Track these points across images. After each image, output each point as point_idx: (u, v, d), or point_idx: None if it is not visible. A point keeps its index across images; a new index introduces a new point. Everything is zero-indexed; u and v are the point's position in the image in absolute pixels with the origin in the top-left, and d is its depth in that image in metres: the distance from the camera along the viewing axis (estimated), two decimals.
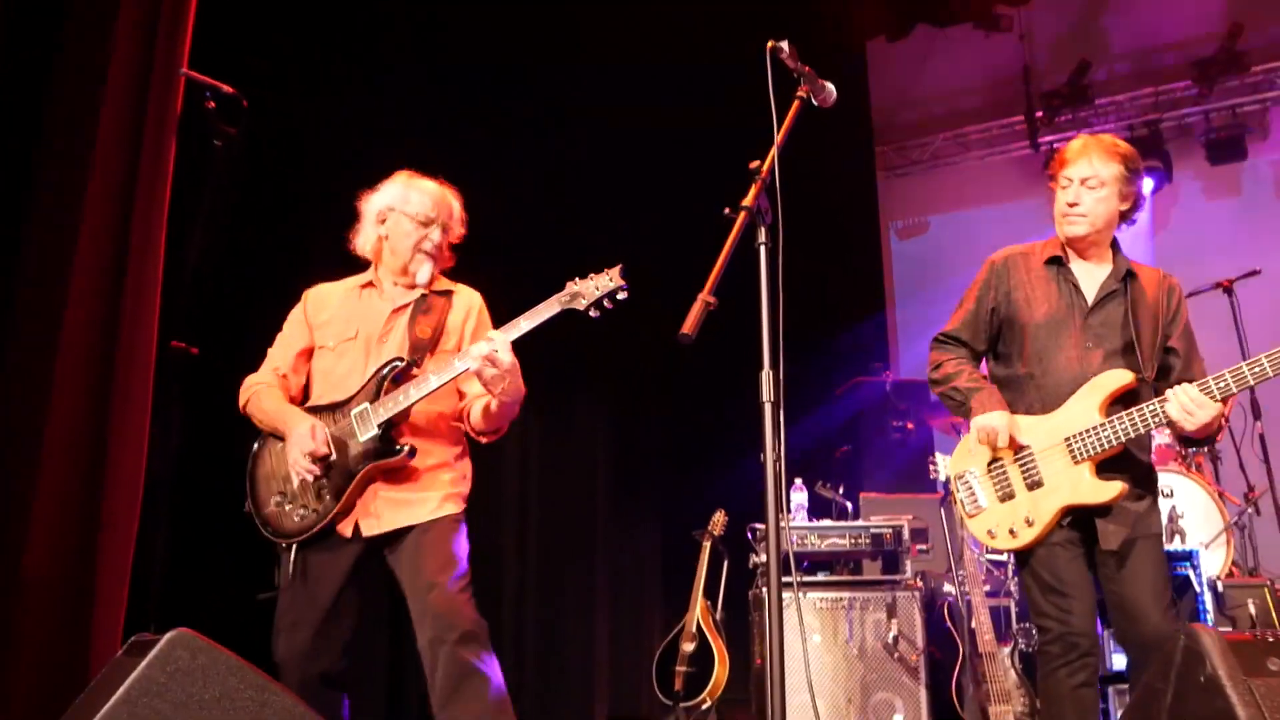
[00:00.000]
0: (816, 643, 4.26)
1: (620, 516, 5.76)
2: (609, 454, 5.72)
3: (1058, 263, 3.17)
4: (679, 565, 5.05)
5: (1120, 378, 3.00)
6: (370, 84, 5.04)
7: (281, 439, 3.08)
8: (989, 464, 3.14)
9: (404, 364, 3.05)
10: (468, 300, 3.30)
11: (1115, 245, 3.20)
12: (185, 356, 3.50)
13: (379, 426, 2.97)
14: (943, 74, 8.85)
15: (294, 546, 2.98)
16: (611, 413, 5.83)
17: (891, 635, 4.19)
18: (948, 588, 4.87)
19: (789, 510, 4.59)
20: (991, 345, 3.29)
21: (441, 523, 3.01)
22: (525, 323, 2.94)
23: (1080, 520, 3.01)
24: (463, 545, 3.02)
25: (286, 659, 2.93)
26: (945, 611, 4.39)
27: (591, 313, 2.93)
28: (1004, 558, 4.81)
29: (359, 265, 4.69)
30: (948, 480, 4.67)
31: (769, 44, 2.30)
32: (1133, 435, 2.93)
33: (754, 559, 4.57)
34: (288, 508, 3.03)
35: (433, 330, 3.16)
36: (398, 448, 2.99)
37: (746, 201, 2.02)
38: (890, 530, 4.43)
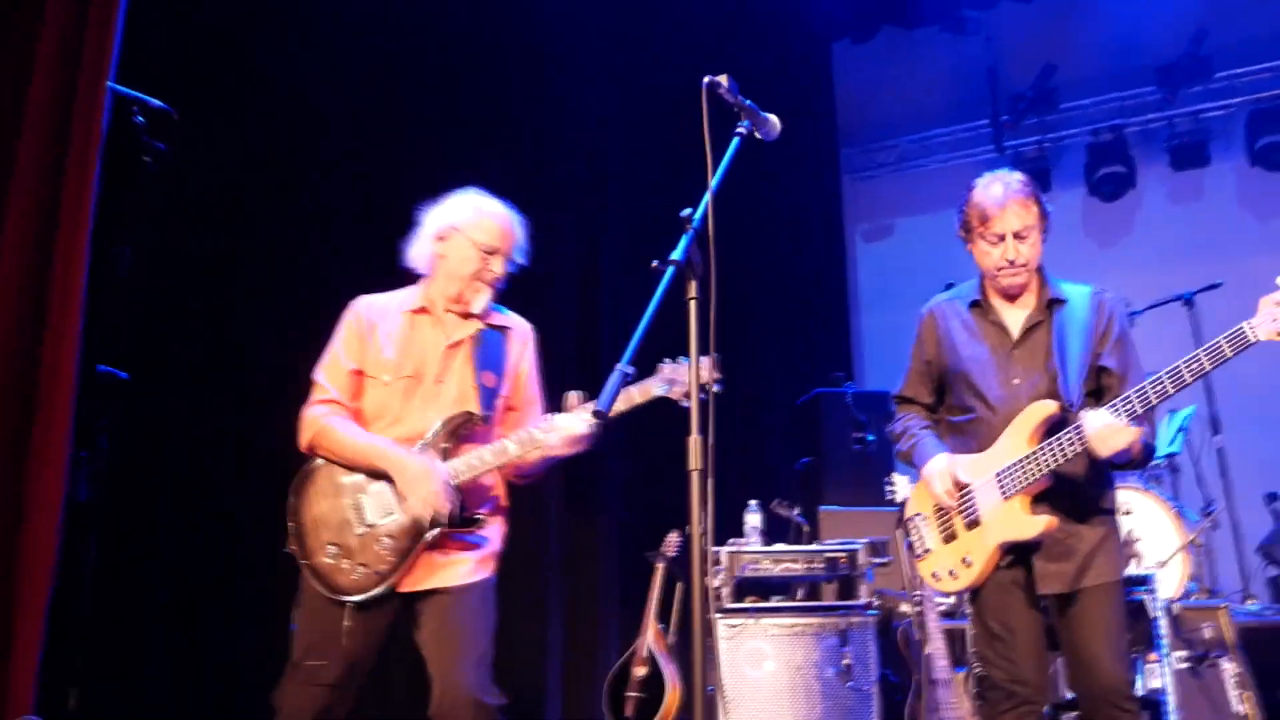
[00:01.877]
0: (769, 670, 4.19)
1: (576, 534, 5.66)
2: (563, 470, 5.62)
3: (980, 305, 3.17)
4: (636, 585, 4.96)
5: (1043, 409, 2.94)
6: (309, 92, 4.89)
7: (370, 475, 2.84)
8: (934, 506, 3.11)
9: (476, 420, 2.90)
10: (522, 337, 3.15)
11: (1039, 271, 3.15)
12: (113, 381, 3.39)
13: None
14: (908, 77, 8.76)
15: (349, 605, 2.77)
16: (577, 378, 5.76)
17: (845, 663, 4.12)
18: (904, 608, 4.80)
19: (743, 534, 4.51)
20: (940, 397, 3.27)
21: (474, 591, 2.86)
22: (618, 405, 2.74)
23: (1024, 560, 2.95)
24: (491, 617, 2.88)
25: (296, 709, 2.76)
26: (901, 637, 4.31)
27: (683, 403, 2.67)
28: None
29: (310, 286, 4.61)
30: (904, 503, 4.63)
31: (705, 80, 2.18)
32: (1054, 465, 2.87)
33: (708, 581, 4.47)
34: (344, 564, 2.79)
35: (497, 378, 3.00)
36: (475, 516, 2.84)
37: (675, 254, 1.91)
38: (845, 554, 4.35)
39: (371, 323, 3.01)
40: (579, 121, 6.45)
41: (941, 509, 3.08)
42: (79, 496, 3.45)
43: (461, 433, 2.90)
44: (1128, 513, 5.05)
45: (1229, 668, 4.27)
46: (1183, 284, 7.65)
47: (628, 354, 1.86)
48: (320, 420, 2.91)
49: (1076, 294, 3.12)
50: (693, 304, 1.94)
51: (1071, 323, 3.04)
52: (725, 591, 4.21)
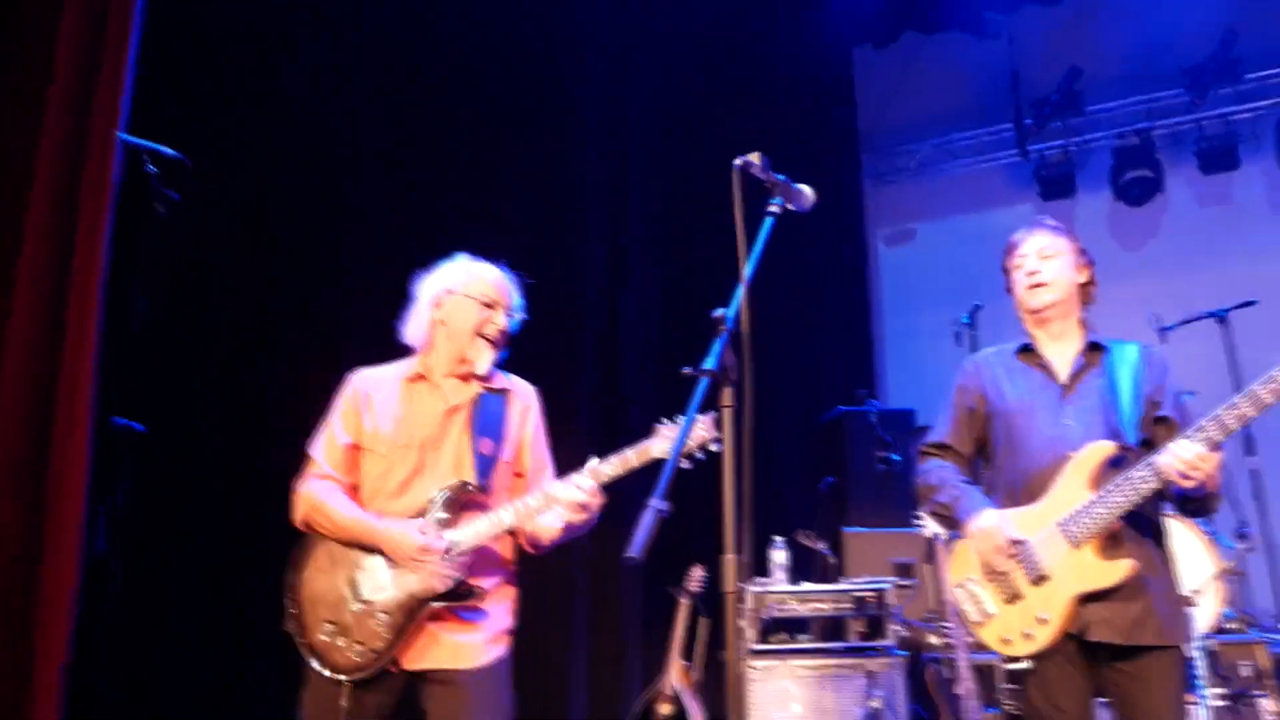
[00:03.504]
0: (796, 713, 4.12)
1: (599, 565, 5.60)
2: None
3: (1027, 349, 3.11)
4: (659, 618, 4.89)
5: (1101, 449, 2.84)
6: (329, 136, 4.82)
7: (362, 549, 2.77)
8: (985, 567, 2.94)
9: (471, 489, 2.83)
10: (524, 400, 3.07)
11: (1085, 325, 3.11)
12: (129, 434, 3.34)
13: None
14: (930, 81, 8.63)
15: (348, 685, 2.67)
16: (597, 418, 5.69)
17: (874, 706, 4.05)
18: (932, 639, 4.73)
19: (768, 573, 4.44)
20: (979, 449, 3.15)
21: (486, 676, 2.76)
22: (608, 468, 2.75)
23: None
24: (506, 701, 2.80)
25: None
26: (930, 677, 4.23)
27: (683, 464, 2.58)
28: None
29: (321, 332, 4.56)
30: (934, 535, 4.54)
31: (736, 162, 2.09)
32: (1128, 505, 2.74)
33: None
34: (340, 642, 2.71)
35: (495, 444, 2.92)
36: (470, 590, 2.75)
37: (708, 362, 1.83)
38: (873, 593, 4.27)
39: (367, 395, 2.97)
40: (597, 132, 6.37)
41: (993, 569, 2.92)
42: (97, 549, 3.41)
43: (459, 503, 2.82)
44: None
45: (1267, 705, 4.18)
46: (1212, 290, 7.52)
47: (660, 487, 1.76)
48: (313, 496, 2.86)
49: (1123, 346, 3.06)
50: (727, 412, 1.85)
51: (1123, 367, 2.98)
52: (751, 633, 4.14)
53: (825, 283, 8.07)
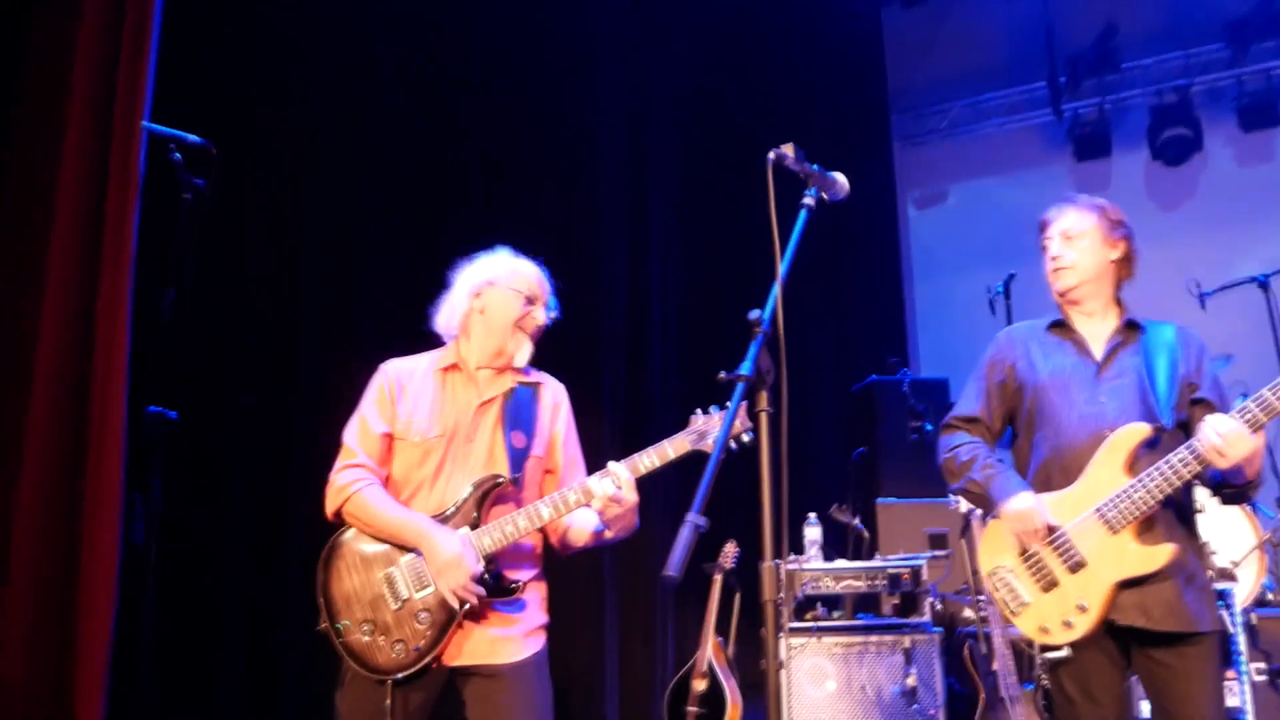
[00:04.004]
0: (831, 690, 4.11)
1: (630, 540, 5.60)
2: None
3: (1061, 325, 3.05)
4: (693, 594, 4.89)
5: (1138, 431, 2.76)
6: (352, 124, 4.77)
7: (398, 548, 2.73)
8: (1022, 553, 2.88)
9: (503, 482, 2.79)
10: (554, 395, 3.03)
11: (1123, 304, 3.04)
12: (163, 422, 3.35)
13: (485, 559, 2.71)
14: (961, 39, 8.45)
15: (390, 684, 2.64)
16: (622, 435, 5.64)
17: (910, 684, 4.03)
18: (967, 613, 4.70)
19: (803, 551, 4.42)
20: (1007, 423, 3.09)
21: (527, 671, 2.75)
22: (648, 460, 2.73)
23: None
24: (547, 696, 2.78)
25: None
26: (966, 653, 4.21)
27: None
28: None
29: (348, 317, 4.55)
30: (969, 510, 4.50)
31: (770, 155, 2.04)
32: (1168, 489, 2.68)
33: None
34: (380, 640, 2.66)
35: (527, 438, 2.89)
36: (510, 585, 2.73)
37: (744, 367, 1.79)
38: (908, 569, 4.24)
39: (401, 385, 2.93)
40: (616, 108, 6.28)
41: (1030, 556, 2.86)
42: (135, 539, 3.43)
43: (492, 497, 2.79)
44: (1200, 510, 4.88)
45: None
46: (1252, 252, 7.38)
47: (697, 502, 1.73)
48: (350, 488, 2.79)
49: (1159, 326, 2.99)
50: (763, 416, 1.81)
51: (1159, 347, 2.91)
52: (786, 610, 4.13)
53: (855, 247, 7.97)
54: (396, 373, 2.97)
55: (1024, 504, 2.84)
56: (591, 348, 5.71)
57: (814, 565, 4.31)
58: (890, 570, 4.23)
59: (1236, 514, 4.95)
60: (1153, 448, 2.75)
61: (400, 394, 2.91)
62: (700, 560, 4.81)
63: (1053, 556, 2.82)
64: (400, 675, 2.64)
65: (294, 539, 4.27)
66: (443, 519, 2.76)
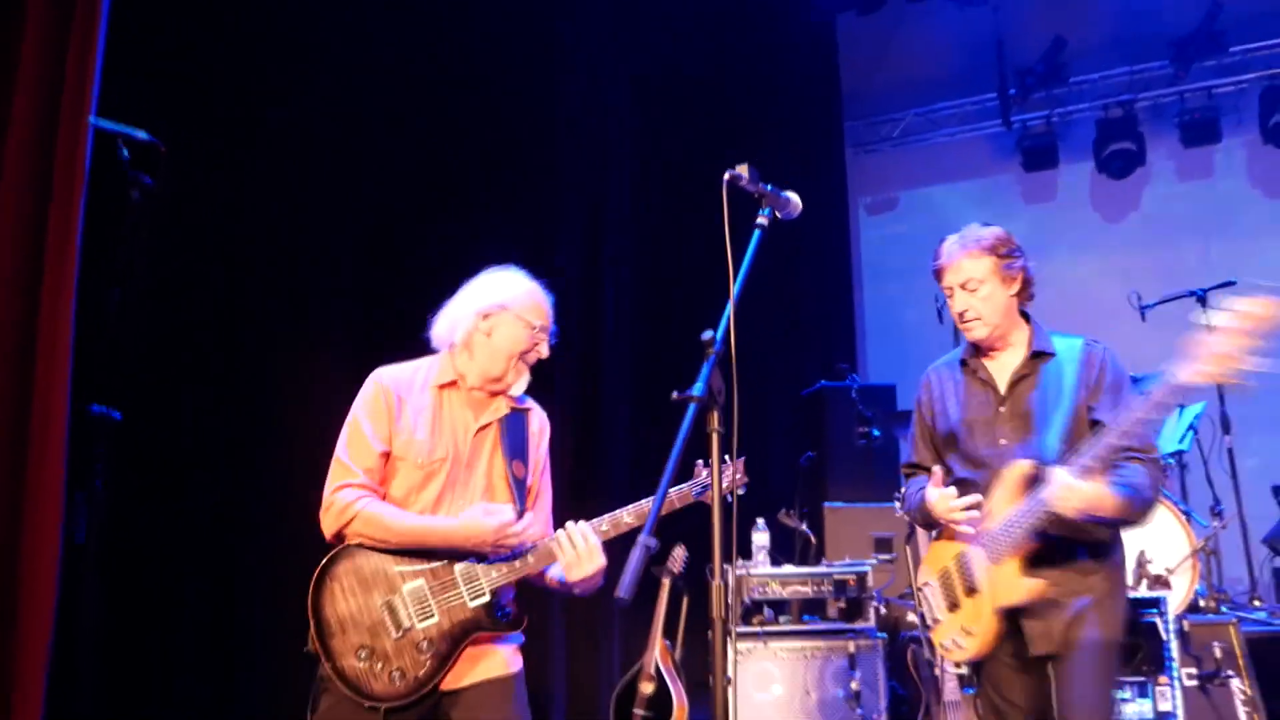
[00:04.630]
0: (777, 694, 4.16)
1: None
2: (566, 479, 5.56)
3: (966, 364, 3.07)
4: (640, 596, 4.91)
5: (1019, 469, 2.81)
6: (301, 118, 4.71)
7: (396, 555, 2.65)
8: (940, 573, 3.01)
9: (517, 515, 2.71)
10: (540, 422, 2.95)
11: (1031, 322, 3.05)
12: (107, 421, 3.30)
13: (490, 593, 2.66)
14: (914, 49, 8.57)
15: (382, 711, 2.56)
16: (571, 436, 5.64)
17: (854, 688, 4.09)
18: (911, 617, 4.78)
19: (751, 556, 4.46)
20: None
21: (517, 680, 2.73)
22: (631, 518, 2.71)
23: (1019, 628, 2.84)
24: (528, 713, 2.75)
25: None
26: (910, 658, 4.28)
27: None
28: None
29: (298, 317, 4.49)
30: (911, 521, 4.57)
31: (726, 176, 2.06)
32: (1030, 526, 2.73)
33: (714, 583, 4.45)
34: (378, 667, 2.58)
35: (525, 467, 2.83)
36: (519, 618, 2.70)
37: (695, 388, 1.80)
38: (854, 575, 4.30)
39: (400, 398, 2.78)
40: (575, 118, 6.27)
41: (945, 575, 2.98)
42: (77, 538, 3.38)
43: None
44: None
45: (1238, 687, 4.25)
46: (1191, 264, 7.58)
47: (648, 526, 1.75)
48: (353, 507, 2.65)
49: (1066, 347, 2.99)
50: (715, 437, 1.84)
51: (1058, 376, 2.92)
52: (733, 615, 4.16)
53: (807, 252, 8.04)
54: (395, 384, 2.80)
55: (942, 491, 2.92)
56: (543, 365, 5.71)
57: (761, 571, 4.36)
58: (836, 576, 4.29)
59: (1172, 522, 5.09)
60: (1037, 484, 2.76)
61: (399, 409, 2.76)
62: (649, 564, 4.83)
63: (958, 578, 2.94)
64: (397, 705, 2.57)
65: (245, 538, 4.23)
66: None
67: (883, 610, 4.66)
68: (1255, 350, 2.33)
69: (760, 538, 4.49)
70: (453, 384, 2.84)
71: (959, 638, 2.90)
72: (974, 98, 8.64)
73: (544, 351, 2.86)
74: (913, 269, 8.63)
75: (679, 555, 4.64)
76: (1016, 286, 2.97)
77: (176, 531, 3.96)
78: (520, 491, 2.77)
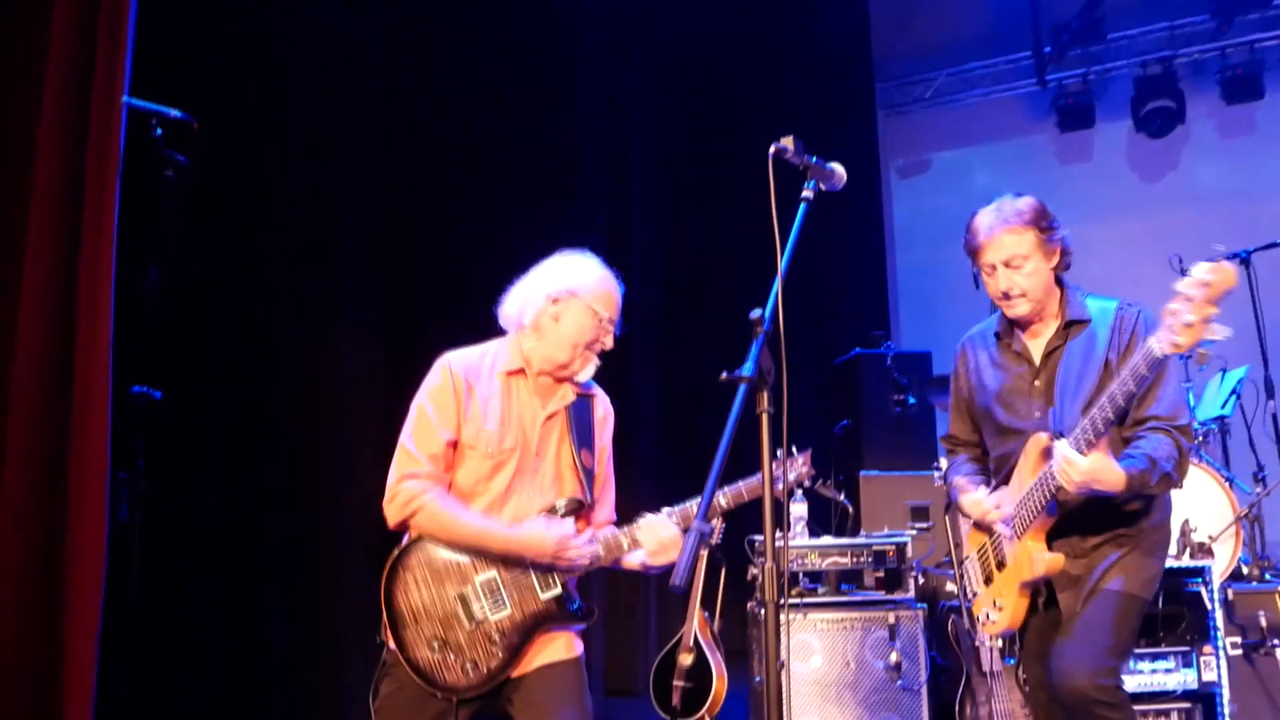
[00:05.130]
0: (816, 665, 4.16)
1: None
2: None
3: (1007, 330, 3.01)
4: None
5: (1038, 443, 2.78)
6: (339, 98, 4.68)
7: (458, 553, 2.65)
8: (979, 547, 3.05)
9: (580, 506, 2.73)
10: (604, 408, 2.92)
11: (1064, 288, 2.96)
12: (148, 402, 3.31)
13: (562, 585, 2.66)
14: (947, 7, 8.41)
15: (455, 701, 2.58)
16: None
17: (894, 660, 4.08)
18: (950, 586, 4.75)
19: (788, 528, 4.44)
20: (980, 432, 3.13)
21: (573, 666, 2.71)
22: (722, 501, 2.75)
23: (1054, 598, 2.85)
24: (588, 697, 2.73)
25: None
26: (950, 628, 4.26)
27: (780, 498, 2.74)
28: None
29: (331, 295, 4.49)
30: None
31: (771, 149, 2.01)
32: (1045, 500, 2.70)
33: (751, 570, 4.45)
34: (451, 658, 2.59)
35: (593, 456, 2.81)
36: (587, 611, 2.71)
37: (745, 369, 1.77)
38: (893, 546, 4.28)
39: (469, 385, 2.73)
40: (596, 81, 6.20)
41: (982, 550, 3.01)
42: (120, 516, 3.41)
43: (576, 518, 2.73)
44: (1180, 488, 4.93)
45: None
46: (1232, 225, 7.42)
47: (702, 508, 1.73)
48: (417, 499, 2.63)
49: (1100, 310, 2.90)
50: (765, 417, 1.81)
51: (1090, 343, 2.85)
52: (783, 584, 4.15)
53: (838, 216, 7.93)
54: (464, 369, 2.76)
55: (973, 496, 2.98)
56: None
57: (800, 542, 4.34)
58: (876, 547, 4.26)
59: (1215, 489, 5.02)
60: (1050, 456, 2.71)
61: (469, 396, 2.72)
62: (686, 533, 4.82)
63: (992, 553, 2.96)
64: (469, 695, 2.60)
65: (272, 518, 4.26)
66: None
67: (921, 580, 4.64)
68: (1214, 317, 2.32)
69: (798, 509, 4.47)
70: (520, 371, 2.80)
71: (991, 611, 2.93)
72: (1008, 56, 8.48)
73: (608, 343, 2.80)
74: (946, 233, 8.46)
75: (716, 526, 4.62)
76: (1056, 259, 2.88)
77: (203, 511, 3.99)
78: (589, 480, 2.75)
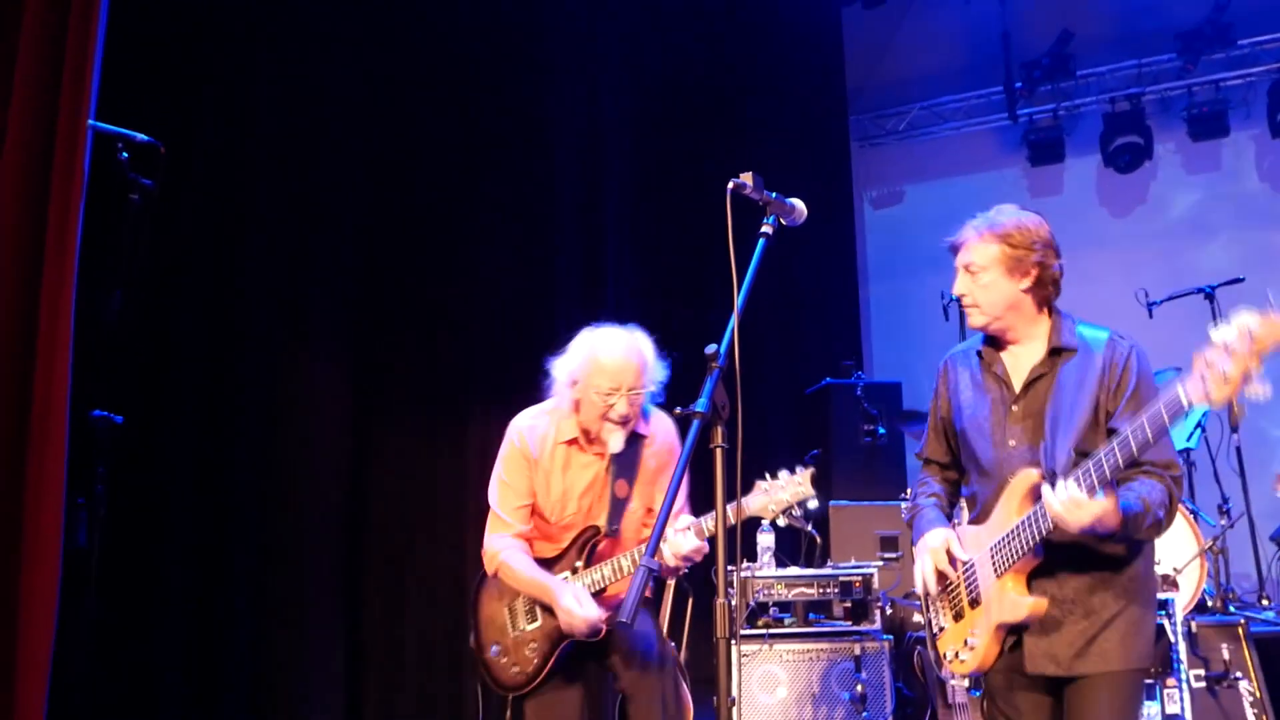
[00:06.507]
0: (782, 696, 4.14)
1: None
2: None
3: (989, 350, 2.89)
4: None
5: (1027, 478, 2.66)
6: (308, 121, 4.68)
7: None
8: (944, 581, 2.87)
9: (601, 533, 3.26)
10: (653, 447, 3.36)
11: (1056, 315, 2.84)
12: (108, 427, 3.28)
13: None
14: (920, 42, 8.52)
15: (509, 699, 3.23)
16: None
17: (859, 691, 4.08)
18: (917, 618, 4.75)
19: (756, 558, 4.43)
20: (956, 457, 3.00)
21: None
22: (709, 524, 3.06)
23: (1019, 643, 2.71)
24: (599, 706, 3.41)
25: None
26: (916, 659, 4.26)
27: (780, 521, 3.09)
28: None
29: (297, 321, 4.49)
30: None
31: (729, 185, 2.02)
32: (1035, 540, 2.58)
33: (718, 601, 4.42)
34: (504, 660, 3.23)
35: (629, 487, 3.29)
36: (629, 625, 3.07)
37: (699, 404, 1.77)
38: (859, 577, 4.28)
39: (534, 458, 3.29)
40: (570, 106, 6.22)
41: (949, 585, 2.84)
42: (78, 542, 3.36)
43: (589, 546, 3.24)
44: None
45: (1247, 689, 4.22)
46: (1199, 259, 7.54)
47: (650, 546, 1.73)
48: (499, 555, 3.27)
49: (1092, 339, 2.76)
50: (719, 453, 1.81)
51: (1077, 376, 2.71)
52: (739, 618, 4.14)
53: (811, 246, 7.97)
54: (529, 441, 3.31)
55: (933, 541, 2.83)
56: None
57: (766, 573, 4.33)
58: (842, 578, 4.26)
59: (1179, 521, 5.04)
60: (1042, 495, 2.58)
61: (534, 468, 3.30)
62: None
63: (962, 588, 2.81)
64: (515, 694, 3.20)
65: (236, 545, 4.22)
66: (550, 562, 3.27)
67: (888, 611, 4.64)
68: (1257, 374, 2.18)
69: (765, 539, 4.46)
70: (574, 441, 3.31)
71: (960, 649, 2.78)
72: (980, 91, 8.58)
73: (622, 408, 3.17)
74: (919, 264, 8.69)
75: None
76: (1028, 282, 2.75)
77: (165, 534, 3.96)
78: (616, 511, 3.26)
